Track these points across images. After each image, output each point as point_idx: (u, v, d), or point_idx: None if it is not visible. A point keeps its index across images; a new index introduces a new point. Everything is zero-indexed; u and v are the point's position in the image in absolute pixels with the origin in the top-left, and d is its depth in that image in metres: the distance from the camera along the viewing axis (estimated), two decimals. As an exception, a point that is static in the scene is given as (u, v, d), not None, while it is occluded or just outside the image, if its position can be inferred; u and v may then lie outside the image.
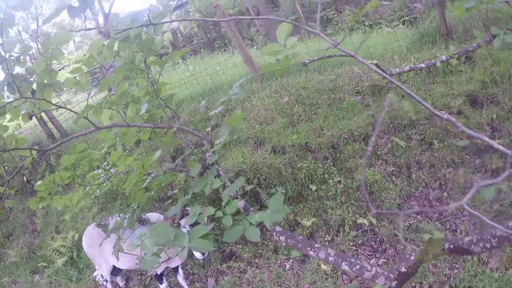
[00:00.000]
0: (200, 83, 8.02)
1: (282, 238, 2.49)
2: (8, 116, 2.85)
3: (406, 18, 11.86)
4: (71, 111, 3.30)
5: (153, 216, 4.69)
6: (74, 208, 3.98)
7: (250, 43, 14.27)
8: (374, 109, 6.57)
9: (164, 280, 5.02)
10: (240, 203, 2.86)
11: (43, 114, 9.35)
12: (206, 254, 4.19)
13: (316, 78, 7.19)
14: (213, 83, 7.93)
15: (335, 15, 14.07)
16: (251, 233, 2.28)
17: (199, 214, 2.56)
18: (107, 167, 4.58)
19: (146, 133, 3.82)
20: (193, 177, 3.43)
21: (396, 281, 2.01)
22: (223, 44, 15.00)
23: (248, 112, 6.77)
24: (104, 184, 4.30)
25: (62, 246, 7.63)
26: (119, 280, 5.96)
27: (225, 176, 2.79)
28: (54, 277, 7.31)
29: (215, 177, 2.76)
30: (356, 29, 12.58)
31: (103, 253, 4.97)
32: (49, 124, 9.68)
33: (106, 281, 5.47)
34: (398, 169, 6.16)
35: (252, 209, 2.79)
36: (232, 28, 7.26)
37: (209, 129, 6.64)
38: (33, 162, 9.28)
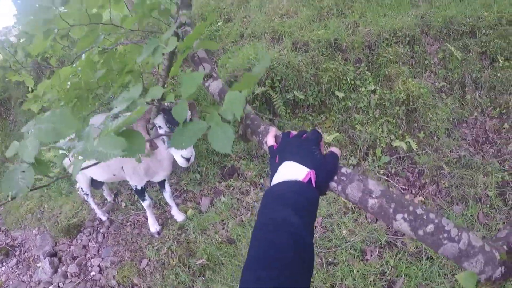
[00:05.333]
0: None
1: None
2: None
3: None
4: None
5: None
6: (39, 101, 3.18)
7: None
8: (425, 9, 5.24)
9: (147, 197, 4.01)
10: (214, 84, 1.72)
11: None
12: (192, 159, 3.14)
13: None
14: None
15: None
16: (218, 137, 1.16)
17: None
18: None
19: None
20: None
21: (504, 268, 0.83)
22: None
23: (267, 3, 5.52)
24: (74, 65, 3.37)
25: (55, 156, 6.85)
26: (106, 194, 5.15)
27: (190, 35, 1.62)
28: (45, 190, 6.65)
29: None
30: None
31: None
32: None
33: (87, 195, 4.62)
34: (449, 86, 4.92)
35: None
36: None
37: None
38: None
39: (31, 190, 1.23)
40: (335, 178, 1.07)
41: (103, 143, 1.07)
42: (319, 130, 1.42)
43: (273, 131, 1.30)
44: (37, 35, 1.72)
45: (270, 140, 1.26)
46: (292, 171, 1.05)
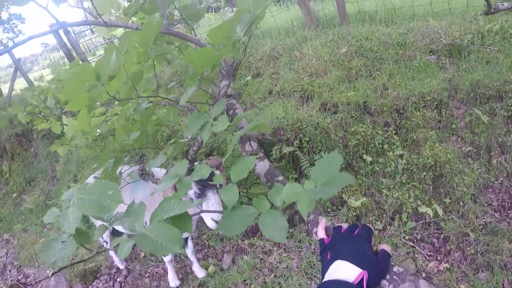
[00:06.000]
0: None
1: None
2: None
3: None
4: None
5: (158, 172, 3.68)
6: (67, 143, 3.28)
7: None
8: (452, 72, 5.26)
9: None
10: (261, 165, 1.72)
11: (74, 54, 8.57)
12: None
13: (382, 30, 5.91)
14: (259, 26, 6.75)
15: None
16: (269, 225, 1.14)
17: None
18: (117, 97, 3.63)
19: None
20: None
21: None
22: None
23: (296, 61, 5.59)
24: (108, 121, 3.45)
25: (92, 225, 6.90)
26: (124, 241, 5.07)
27: (241, 114, 1.63)
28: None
29: (223, 113, 1.62)
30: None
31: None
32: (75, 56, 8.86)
33: (106, 242, 4.59)
34: (476, 150, 4.89)
35: (280, 177, 1.59)
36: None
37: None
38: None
39: (71, 265, 1.21)
40: (387, 276, 1.07)
41: (156, 231, 1.06)
42: (370, 225, 1.42)
43: (323, 222, 1.30)
44: (82, 111, 1.71)
45: (321, 233, 1.26)
46: (344, 271, 1.05)
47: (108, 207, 1.10)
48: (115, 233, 4.57)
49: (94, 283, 4.96)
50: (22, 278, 5.76)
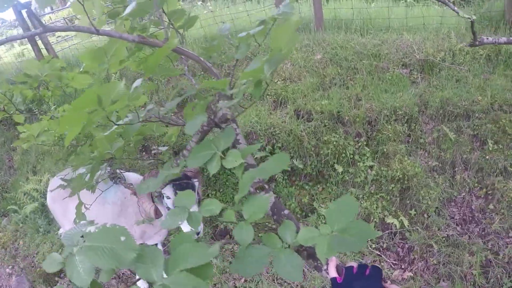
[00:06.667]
0: (218, 22, 6.75)
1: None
2: None
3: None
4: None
5: (131, 176, 3.58)
6: (33, 139, 3.27)
7: None
8: (423, 87, 5.37)
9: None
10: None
11: (39, 42, 8.24)
12: (201, 233, 3.10)
13: (357, 39, 5.96)
14: (234, 26, 6.67)
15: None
16: (284, 265, 1.11)
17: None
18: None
19: (134, 61, 2.67)
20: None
21: None
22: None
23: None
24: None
25: (34, 189, 6.65)
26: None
27: (250, 147, 1.57)
28: (21, 225, 6.37)
29: (230, 146, 1.56)
30: None
31: (67, 212, 3.86)
32: (44, 52, 8.52)
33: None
34: (441, 165, 5.01)
35: (286, 211, 1.54)
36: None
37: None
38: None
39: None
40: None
41: (179, 283, 1.00)
42: (379, 266, 1.46)
43: (334, 261, 1.34)
44: (74, 128, 1.64)
45: (332, 271, 1.29)
46: None
47: (123, 257, 1.02)
48: None
49: (58, 283, 4.81)
50: (-22, 276, 5.52)
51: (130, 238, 1.06)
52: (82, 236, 1.75)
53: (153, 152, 3.72)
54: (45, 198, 6.29)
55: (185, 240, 1.22)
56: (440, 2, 5.62)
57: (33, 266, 5.22)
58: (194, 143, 2.21)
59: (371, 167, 4.69)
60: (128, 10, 2.24)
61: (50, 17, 14.46)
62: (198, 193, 3.06)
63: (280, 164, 1.39)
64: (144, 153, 4.65)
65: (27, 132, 3.49)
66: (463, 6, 9.12)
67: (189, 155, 1.66)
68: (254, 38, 2.04)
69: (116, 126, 2.02)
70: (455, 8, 3.16)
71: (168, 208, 3.12)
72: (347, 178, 4.62)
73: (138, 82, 2.02)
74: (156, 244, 3.98)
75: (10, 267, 5.48)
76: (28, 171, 7.32)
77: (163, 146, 2.87)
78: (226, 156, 1.53)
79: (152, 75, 1.95)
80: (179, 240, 1.23)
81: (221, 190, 4.73)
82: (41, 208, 6.41)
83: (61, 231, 4.78)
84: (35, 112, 6.38)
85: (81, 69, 3.11)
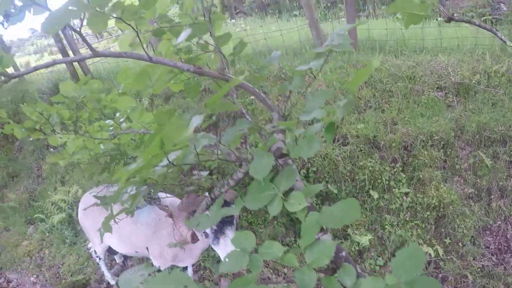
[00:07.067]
0: (251, 41, 6.73)
1: None
2: None
3: (489, 17, 10.32)
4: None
5: (167, 199, 3.57)
6: (68, 157, 3.24)
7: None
8: (459, 112, 5.28)
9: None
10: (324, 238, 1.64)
11: (70, 52, 8.34)
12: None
13: (391, 61, 5.89)
14: (267, 44, 6.64)
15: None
16: None
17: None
18: (120, 120, 3.56)
19: (179, 83, 2.67)
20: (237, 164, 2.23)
21: None
22: (277, 11, 13.55)
23: (305, 85, 5.52)
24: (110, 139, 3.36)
25: (62, 200, 6.69)
26: (117, 256, 4.93)
27: (312, 188, 1.52)
28: (47, 234, 6.43)
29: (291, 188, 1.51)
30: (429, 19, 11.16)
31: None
32: (75, 64, 8.62)
33: (99, 258, 4.43)
34: (477, 192, 4.91)
35: (344, 253, 1.51)
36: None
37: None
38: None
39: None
40: None
41: None
42: None
43: None
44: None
45: None
46: None
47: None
48: (110, 251, 4.42)
49: (84, 297, 4.82)
50: (3, 282, 5.56)
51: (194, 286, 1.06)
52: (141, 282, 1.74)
53: (193, 177, 3.69)
54: (73, 210, 6.36)
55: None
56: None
57: (58, 277, 5.24)
58: (241, 174, 2.18)
59: (406, 193, 4.62)
60: (183, 37, 2.23)
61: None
62: (236, 220, 3.03)
63: (351, 213, 1.35)
64: (182, 175, 4.64)
65: (62, 140, 3.53)
66: (495, 24, 9.03)
67: (248, 195, 1.62)
68: (311, 72, 2.02)
69: (168, 163, 2.00)
70: (502, 37, 3.09)
71: (206, 234, 3.09)
72: (382, 204, 4.55)
73: (198, 120, 2.00)
74: (186, 267, 3.96)
75: (35, 276, 5.51)
76: (57, 181, 7.38)
77: (204, 170, 2.83)
78: (287, 197, 1.49)
79: (213, 111, 1.94)
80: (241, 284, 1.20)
81: (252, 212, 4.69)
82: (68, 219, 6.44)
83: (90, 245, 4.80)
84: (70, 129, 6.43)
85: (119, 90, 3.13)
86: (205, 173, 3.10)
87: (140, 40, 2.09)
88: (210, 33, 2.16)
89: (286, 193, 1.52)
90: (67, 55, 8.16)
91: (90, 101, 3.25)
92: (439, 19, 8.64)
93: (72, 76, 8.74)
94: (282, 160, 1.92)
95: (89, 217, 3.94)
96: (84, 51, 9.78)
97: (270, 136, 1.95)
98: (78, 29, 1.62)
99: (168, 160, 1.65)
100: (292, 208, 1.35)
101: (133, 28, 2.08)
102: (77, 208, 4.31)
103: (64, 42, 7.92)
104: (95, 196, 3.24)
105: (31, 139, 3.04)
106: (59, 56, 10.14)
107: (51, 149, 7.91)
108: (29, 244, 6.45)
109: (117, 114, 3.90)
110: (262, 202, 1.42)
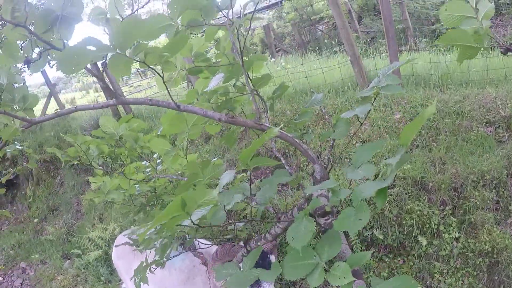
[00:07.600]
0: (292, 80, 6.62)
1: None
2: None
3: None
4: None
5: (202, 245, 3.43)
6: (103, 196, 3.32)
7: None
8: (510, 147, 4.97)
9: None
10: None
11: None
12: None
13: (436, 95, 5.65)
14: (308, 82, 6.51)
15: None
16: None
17: None
18: (157, 161, 3.52)
19: (216, 125, 2.57)
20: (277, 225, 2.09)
21: None
22: (317, 48, 13.49)
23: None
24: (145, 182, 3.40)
25: (100, 237, 6.69)
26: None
27: (359, 256, 1.37)
28: (82, 270, 6.41)
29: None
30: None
31: (131, 270, 3.78)
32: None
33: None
34: (535, 236, 4.55)
35: None
36: (342, 17, 5.83)
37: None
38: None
39: None
40: None
41: None
42: None
43: None
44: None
45: None
46: None
47: None
48: None
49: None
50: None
51: None
52: None
53: (229, 228, 3.55)
54: (109, 247, 6.33)
55: None
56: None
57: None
58: (280, 229, 2.02)
59: (457, 238, 4.32)
60: (214, 82, 2.13)
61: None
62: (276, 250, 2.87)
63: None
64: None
65: (98, 184, 3.52)
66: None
67: (286, 261, 1.49)
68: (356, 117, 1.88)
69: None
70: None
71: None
72: (431, 250, 4.26)
73: (228, 177, 1.87)
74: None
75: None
76: (95, 217, 7.40)
77: (240, 221, 2.67)
78: (331, 267, 1.34)
79: (246, 168, 1.79)
80: None
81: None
82: (104, 257, 6.41)
83: (123, 286, 4.71)
84: (109, 166, 6.46)
85: (159, 132, 3.07)
86: (241, 224, 2.95)
87: (171, 97, 2.00)
88: (245, 76, 2.05)
89: (330, 261, 1.39)
90: (109, 90, 8.26)
91: (128, 140, 3.22)
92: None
93: (113, 114, 8.87)
94: (324, 220, 1.76)
95: (121, 258, 3.89)
96: (127, 89, 9.94)
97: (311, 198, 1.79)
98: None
99: (192, 221, 1.51)
100: (336, 282, 1.20)
101: (158, 73, 1.99)
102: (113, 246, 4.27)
103: (107, 80, 8.03)
104: (129, 238, 3.16)
105: (72, 169, 3.03)
106: (102, 94, 10.33)
107: (92, 185, 8.00)
108: (64, 278, 6.45)
109: (155, 155, 3.85)
110: (302, 272, 1.28)
